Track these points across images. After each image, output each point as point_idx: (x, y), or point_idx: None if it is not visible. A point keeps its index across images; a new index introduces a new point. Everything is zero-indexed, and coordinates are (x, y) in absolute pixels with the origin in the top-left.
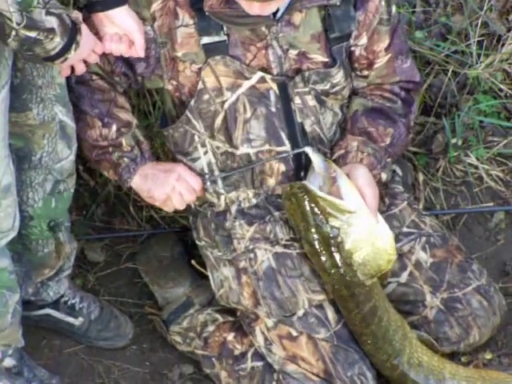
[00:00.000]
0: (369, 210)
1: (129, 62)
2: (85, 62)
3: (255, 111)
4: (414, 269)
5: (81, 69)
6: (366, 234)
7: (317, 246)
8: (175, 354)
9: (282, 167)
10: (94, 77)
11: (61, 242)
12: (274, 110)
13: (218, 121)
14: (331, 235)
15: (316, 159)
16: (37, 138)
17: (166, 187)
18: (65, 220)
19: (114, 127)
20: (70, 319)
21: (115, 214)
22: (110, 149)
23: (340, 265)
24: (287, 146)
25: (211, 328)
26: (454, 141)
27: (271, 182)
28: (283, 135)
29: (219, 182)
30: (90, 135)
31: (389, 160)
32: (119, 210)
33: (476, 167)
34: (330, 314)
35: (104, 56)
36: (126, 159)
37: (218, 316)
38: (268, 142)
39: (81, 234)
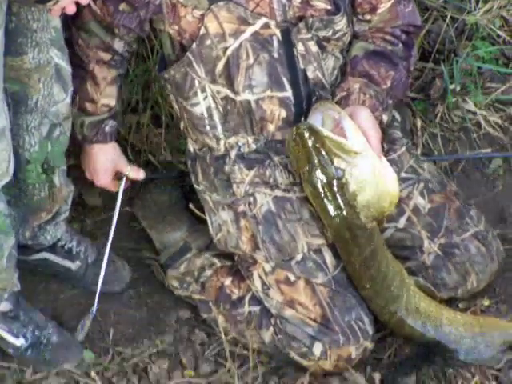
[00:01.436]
0: (373, 152)
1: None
2: (77, 4)
3: (258, 57)
4: (412, 214)
5: (72, 10)
6: (370, 176)
7: (320, 188)
8: (172, 299)
9: (283, 113)
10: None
11: (55, 186)
12: (276, 55)
13: (220, 66)
14: (336, 176)
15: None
16: (32, 82)
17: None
18: (61, 163)
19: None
20: (67, 263)
21: None
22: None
23: (343, 207)
24: (289, 92)
25: (208, 272)
26: (452, 87)
27: (271, 127)
28: (285, 81)
29: (219, 127)
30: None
31: (390, 102)
32: None
33: (474, 113)
34: (329, 258)
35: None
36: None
37: (215, 260)
38: (270, 88)
39: (78, 178)
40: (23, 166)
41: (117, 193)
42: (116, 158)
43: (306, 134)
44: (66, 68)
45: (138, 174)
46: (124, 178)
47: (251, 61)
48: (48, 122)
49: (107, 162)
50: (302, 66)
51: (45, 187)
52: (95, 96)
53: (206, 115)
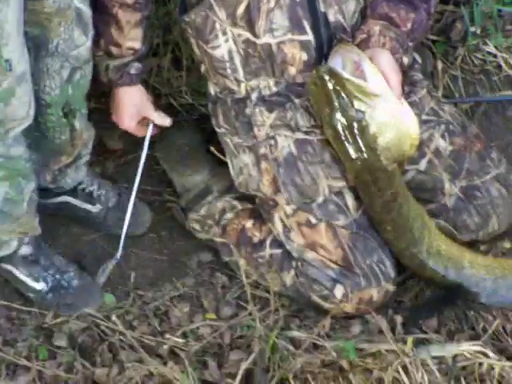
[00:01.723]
0: (393, 94)
1: None
2: None
3: (278, 1)
4: (433, 156)
5: None
6: (390, 118)
7: (341, 131)
8: (194, 242)
9: (304, 56)
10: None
11: (76, 129)
12: None
13: (241, 9)
14: (356, 119)
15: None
16: (53, 26)
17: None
18: (82, 107)
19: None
20: (88, 206)
21: None
22: None
23: (364, 149)
24: (310, 36)
25: (230, 215)
26: (472, 29)
27: (292, 70)
28: (306, 24)
29: (240, 70)
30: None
31: (410, 44)
32: None
33: (495, 56)
34: (350, 201)
35: None
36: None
37: (236, 203)
38: (291, 31)
39: (99, 121)
40: (44, 109)
41: (142, 138)
42: (142, 102)
43: (327, 77)
44: (87, 11)
45: (165, 121)
46: (151, 125)
47: (272, 4)
48: (69, 66)
49: (132, 106)
50: (322, 9)
51: (65, 131)
52: (120, 39)
53: (226, 58)
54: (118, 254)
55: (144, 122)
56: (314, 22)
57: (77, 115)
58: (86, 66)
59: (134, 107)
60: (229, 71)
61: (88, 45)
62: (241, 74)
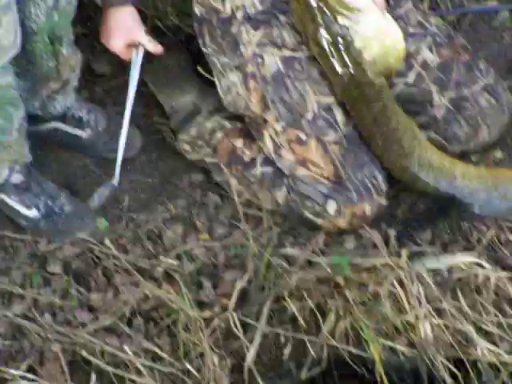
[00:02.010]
0: (377, 8)
1: None
2: None
3: None
4: (421, 69)
5: None
6: (375, 32)
7: (326, 47)
8: (184, 163)
9: None
10: None
11: (63, 55)
12: None
13: None
14: (340, 34)
15: None
16: None
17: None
18: (68, 33)
19: None
20: (78, 131)
21: None
22: None
23: (350, 64)
24: None
25: (219, 135)
26: None
27: None
28: None
29: None
30: None
31: None
32: None
33: None
34: (339, 116)
35: None
36: None
37: (225, 122)
38: None
39: (86, 46)
40: (30, 37)
41: (130, 62)
42: (134, 25)
43: None
44: None
45: (156, 48)
46: (140, 48)
47: None
48: None
49: (123, 28)
50: None
51: (52, 57)
52: None
53: None
54: (116, 181)
55: (133, 45)
56: None
57: (63, 41)
58: None
59: (125, 29)
60: None
61: None
62: None
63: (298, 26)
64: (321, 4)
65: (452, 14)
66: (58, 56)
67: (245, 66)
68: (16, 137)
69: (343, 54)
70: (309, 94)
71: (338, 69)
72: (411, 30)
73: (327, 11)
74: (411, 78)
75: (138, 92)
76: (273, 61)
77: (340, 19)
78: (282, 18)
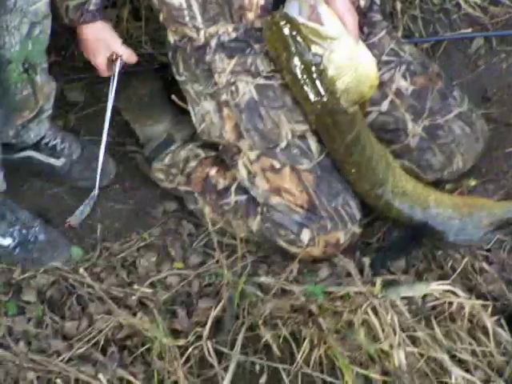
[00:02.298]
0: (350, 36)
1: None
2: None
3: None
4: (395, 97)
5: None
6: (348, 60)
7: (299, 75)
8: (158, 192)
9: (261, 1)
10: None
11: (37, 84)
12: None
13: None
14: (314, 63)
15: None
16: None
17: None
18: (42, 61)
19: None
20: (52, 160)
21: None
22: None
23: (323, 92)
24: None
25: (193, 163)
26: None
27: (250, 15)
28: None
29: (198, 17)
30: None
31: None
32: None
33: None
34: (313, 144)
35: None
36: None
37: (199, 151)
38: None
39: (60, 75)
40: (5, 66)
41: (103, 91)
42: (108, 36)
43: (282, 23)
44: None
45: (132, 57)
46: (119, 60)
47: None
48: (28, 21)
49: (99, 42)
50: None
51: (27, 86)
52: None
53: (184, 6)
54: (96, 192)
55: (112, 57)
56: None
57: (38, 70)
58: (45, 20)
59: (101, 42)
60: (187, 19)
61: (46, 0)
62: (199, 21)
63: (271, 54)
64: (294, 32)
65: (426, 42)
66: (33, 84)
67: (219, 94)
68: None
69: (316, 82)
70: (282, 122)
71: (312, 97)
72: (385, 57)
73: (300, 40)
74: (385, 106)
75: (111, 120)
76: (247, 89)
77: (313, 47)
78: (256, 46)
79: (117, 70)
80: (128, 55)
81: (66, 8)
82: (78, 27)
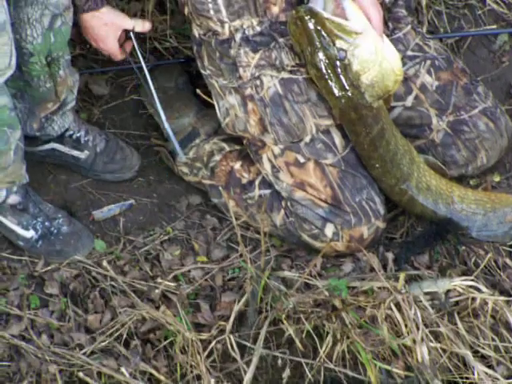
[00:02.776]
0: (375, 31)
1: None
2: None
3: None
4: (420, 92)
5: None
6: (372, 55)
7: (324, 70)
8: (182, 185)
9: None
10: None
11: (60, 76)
12: None
13: None
14: (338, 57)
15: None
16: None
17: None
18: (64, 54)
19: None
20: (76, 152)
21: None
22: None
23: (348, 87)
24: None
25: (218, 157)
26: None
27: (275, 9)
28: None
29: (223, 10)
30: None
31: None
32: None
33: None
34: (337, 139)
35: None
36: None
37: (224, 145)
38: None
39: (84, 68)
40: (27, 58)
41: (128, 83)
42: (114, 18)
43: (306, 17)
44: None
45: (144, 26)
46: (132, 35)
47: None
48: (49, 14)
49: (106, 26)
50: None
51: (49, 78)
52: None
53: None
54: (181, 154)
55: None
56: None
57: (60, 62)
58: (67, 12)
59: (108, 26)
60: (212, 12)
61: None
62: (224, 15)
63: (295, 48)
64: (318, 27)
65: (451, 37)
66: (56, 77)
67: (243, 88)
68: (13, 158)
69: (341, 77)
70: (307, 117)
71: (336, 92)
72: (410, 53)
73: (325, 34)
74: (410, 101)
75: (135, 114)
76: (271, 83)
77: (338, 42)
78: (281, 39)
79: (136, 44)
80: (140, 25)
81: None
82: (83, 15)
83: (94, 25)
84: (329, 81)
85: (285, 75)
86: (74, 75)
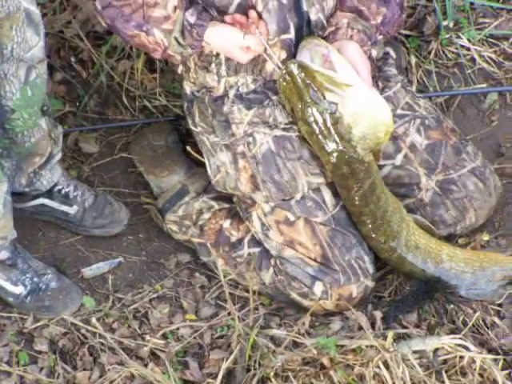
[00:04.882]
0: (364, 83)
1: None
2: None
3: (267, 5)
4: (409, 151)
5: None
6: (363, 107)
7: (315, 125)
8: (171, 243)
9: (283, 54)
10: None
11: (44, 130)
12: (284, 1)
13: (232, 10)
14: (329, 111)
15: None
16: (5, 31)
17: None
18: (44, 107)
19: (156, 31)
20: (65, 208)
21: (108, 105)
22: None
23: (339, 141)
24: (292, 35)
25: (207, 215)
26: (445, 23)
27: (270, 67)
28: (292, 25)
29: (223, 64)
30: (147, 46)
31: (380, 37)
32: (112, 101)
33: (468, 49)
34: (328, 197)
35: None
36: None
37: (213, 203)
38: (278, 35)
39: (74, 125)
40: (8, 115)
41: (117, 141)
42: (228, 37)
43: (296, 71)
44: (36, 11)
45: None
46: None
47: (260, 8)
48: (24, 65)
49: (226, 43)
50: (305, 9)
51: (34, 133)
52: None
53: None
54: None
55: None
56: (298, 22)
57: (41, 115)
58: (41, 64)
59: (227, 42)
60: (213, 66)
61: (41, 44)
62: (223, 69)
63: (286, 106)
64: (308, 81)
65: (440, 96)
66: (39, 131)
67: (235, 145)
68: (2, 211)
69: (332, 130)
70: (299, 175)
71: (328, 146)
72: (400, 111)
73: (315, 88)
74: (399, 159)
75: (125, 171)
76: (264, 140)
77: (328, 95)
78: (275, 97)
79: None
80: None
81: (176, 40)
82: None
83: (217, 47)
84: (320, 136)
85: (278, 133)
86: (57, 127)
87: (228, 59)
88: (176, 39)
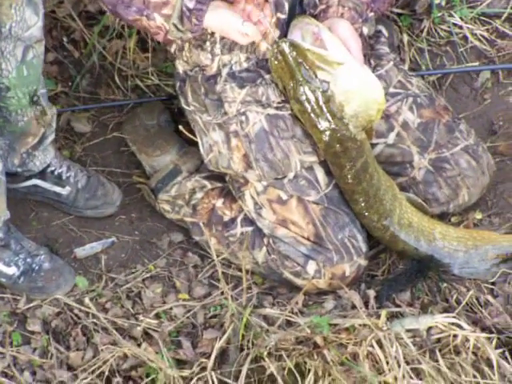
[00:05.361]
0: (356, 61)
1: None
2: None
3: None
4: (402, 129)
5: None
6: (355, 85)
7: (307, 104)
8: (164, 223)
9: (277, 33)
10: None
11: (38, 110)
12: None
13: None
14: (321, 89)
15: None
16: (4, 9)
17: None
18: (39, 87)
19: (156, 15)
20: (58, 188)
21: (100, 85)
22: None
23: (331, 119)
24: (285, 14)
25: (199, 195)
26: (437, 1)
27: (263, 46)
28: (286, 5)
29: (218, 43)
30: (149, 29)
31: (371, 14)
32: (104, 81)
33: (460, 27)
34: (321, 175)
35: None
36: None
37: (206, 182)
38: (274, 14)
39: (66, 105)
40: (3, 93)
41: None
42: (226, 20)
43: (287, 50)
44: None
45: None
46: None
47: None
48: (21, 44)
49: (224, 25)
50: None
51: (27, 112)
52: None
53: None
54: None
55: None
56: (292, 1)
57: (36, 95)
58: (38, 44)
59: (225, 25)
60: (207, 44)
61: (39, 24)
62: (218, 47)
63: (278, 85)
64: (300, 59)
65: (433, 75)
66: (33, 111)
67: (228, 124)
68: None
69: (325, 109)
70: (292, 153)
71: (320, 125)
72: (392, 90)
73: (307, 66)
74: (391, 138)
75: (117, 151)
76: (257, 119)
77: (320, 74)
78: (267, 76)
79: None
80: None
81: (175, 26)
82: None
83: (215, 29)
84: (312, 114)
85: (271, 111)
86: (51, 108)
87: (223, 37)
88: (175, 25)
